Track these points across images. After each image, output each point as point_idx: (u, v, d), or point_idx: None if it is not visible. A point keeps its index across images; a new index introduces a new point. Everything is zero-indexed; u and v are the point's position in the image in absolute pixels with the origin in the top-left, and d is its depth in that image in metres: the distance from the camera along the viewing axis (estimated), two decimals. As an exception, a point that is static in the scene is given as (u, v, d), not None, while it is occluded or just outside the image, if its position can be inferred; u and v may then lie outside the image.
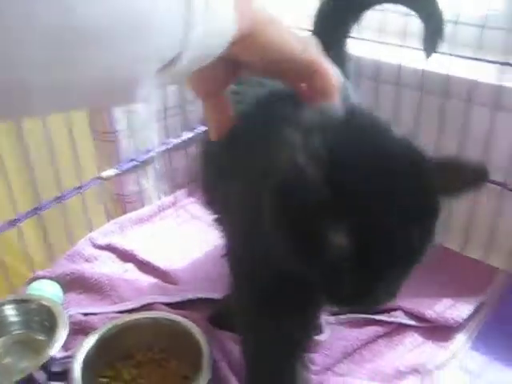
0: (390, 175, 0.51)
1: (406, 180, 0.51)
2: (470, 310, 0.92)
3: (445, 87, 1.00)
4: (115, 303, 0.94)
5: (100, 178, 1.09)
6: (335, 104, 0.57)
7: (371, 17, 0.96)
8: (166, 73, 0.41)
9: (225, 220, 0.79)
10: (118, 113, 1.08)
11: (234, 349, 0.83)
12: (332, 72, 0.57)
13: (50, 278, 0.98)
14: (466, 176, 0.54)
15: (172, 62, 0.41)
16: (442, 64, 0.99)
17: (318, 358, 0.84)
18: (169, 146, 1.20)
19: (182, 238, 1.13)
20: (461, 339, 0.90)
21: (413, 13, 0.92)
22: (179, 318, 0.86)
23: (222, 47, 0.46)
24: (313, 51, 0.56)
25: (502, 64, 0.95)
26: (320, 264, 0.53)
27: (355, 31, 0.96)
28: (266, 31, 0.50)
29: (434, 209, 0.54)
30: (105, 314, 0.92)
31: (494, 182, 1.00)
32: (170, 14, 0.38)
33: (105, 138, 1.08)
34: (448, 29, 0.90)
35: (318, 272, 0.54)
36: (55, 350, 0.82)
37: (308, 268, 0.55)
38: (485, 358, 0.88)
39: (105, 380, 0.83)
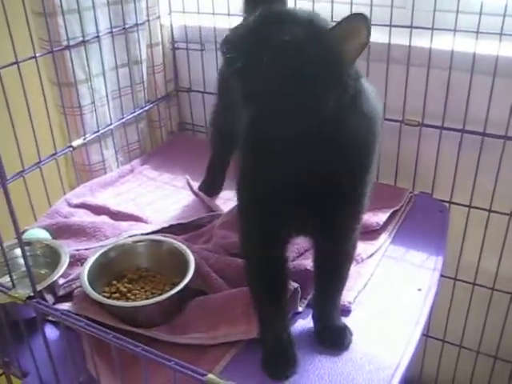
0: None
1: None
2: (386, 216, 1.18)
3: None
4: (101, 240, 1.11)
5: (71, 146, 1.26)
6: None
7: None
8: None
9: None
10: (83, 90, 1.26)
11: (209, 255, 1.03)
12: None
13: (39, 227, 1.13)
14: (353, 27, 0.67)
15: None
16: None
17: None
18: (124, 121, 1.38)
19: (143, 195, 1.32)
20: (383, 237, 1.15)
21: None
22: (161, 238, 1.06)
23: None
24: None
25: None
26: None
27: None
28: None
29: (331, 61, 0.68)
30: (94, 248, 1.08)
31: (392, 120, 1.28)
32: None
33: (73, 112, 1.26)
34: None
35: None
36: (59, 274, 0.98)
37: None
38: (402, 248, 1.14)
39: (106, 294, 0.99)
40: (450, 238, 1.23)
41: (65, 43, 1.20)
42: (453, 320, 1.44)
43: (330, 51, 0.69)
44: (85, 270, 0.97)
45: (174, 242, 1.04)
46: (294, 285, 0.94)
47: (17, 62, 1.09)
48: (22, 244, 0.80)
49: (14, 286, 0.81)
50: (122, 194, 1.31)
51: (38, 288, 0.94)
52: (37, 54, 1.14)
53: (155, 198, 1.30)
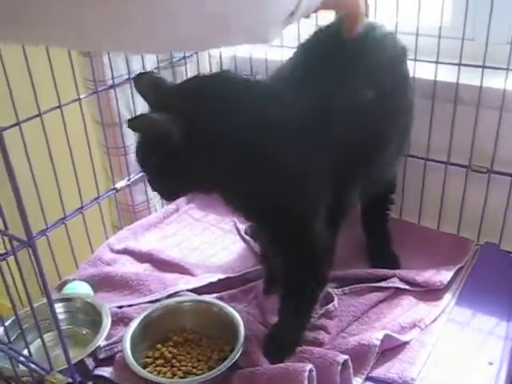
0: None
1: None
2: (451, 274, 1.08)
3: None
4: (145, 295, 1.05)
5: (114, 188, 1.20)
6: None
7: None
8: (289, 20, 0.60)
9: None
10: (128, 129, 1.19)
11: (258, 328, 0.96)
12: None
13: (80, 279, 1.08)
14: None
15: (293, 13, 0.61)
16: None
17: (332, 325, 0.97)
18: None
19: (189, 238, 1.25)
20: (447, 298, 1.05)
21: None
22: (210, 299, 0.99)
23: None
24: None
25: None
26: None
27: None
28: None
29: None
30: (138, 305, 1.02)
31: (458, 165, 1.18)
32: None
33: (118, 152, 1.20)
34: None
35: None
36: (101, 339, 0.92)
37: None
38: (468, 310, 1.04)
39: (149, 360, 0.93)
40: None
41: (110, 82, 1.14)
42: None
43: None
44: (127, 336, 0.91)
45: (224, 305, 0.96)
46: (342, 357, 0.86)
47: (60, 106, 1.04)
48: (57, 319, 0.72)
49: (51, 368, 0.75)
50: (167, 238, 1.24)
51: (80, 357, 0.89)
52: (81, 96, 1.09)
53: (201, 243, 1.23)
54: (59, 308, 0.99)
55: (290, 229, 0.86)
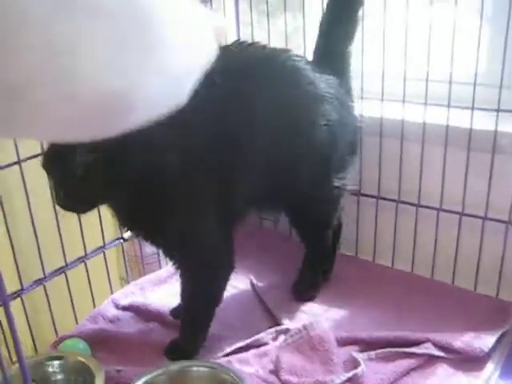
0: None
1: None
2: (494, 340, 0.95)
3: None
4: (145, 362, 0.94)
5: (121, 238, 1.12)
6: None
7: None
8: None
9: None
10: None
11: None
12: None
13: (78, 338, 0.98)
14: None
15: None
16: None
17: (358, 392, 0.85)
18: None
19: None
20: (489, 368, 0.92)
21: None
22: (216, 364, 0.88)
23: None
24: None
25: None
26: None
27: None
28: None
29: None
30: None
31: (498, 220, 1.07)
32: None
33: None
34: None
35: None
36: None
37: None
38: (514, 384, 0.91)
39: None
40: None
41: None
42: None
43: None
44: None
45: (232, 370, 0.85)
46: None
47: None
48: None
49: None
50: (177, 295, 1.14)
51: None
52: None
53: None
54: (48, 367, 0.89)
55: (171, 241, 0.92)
